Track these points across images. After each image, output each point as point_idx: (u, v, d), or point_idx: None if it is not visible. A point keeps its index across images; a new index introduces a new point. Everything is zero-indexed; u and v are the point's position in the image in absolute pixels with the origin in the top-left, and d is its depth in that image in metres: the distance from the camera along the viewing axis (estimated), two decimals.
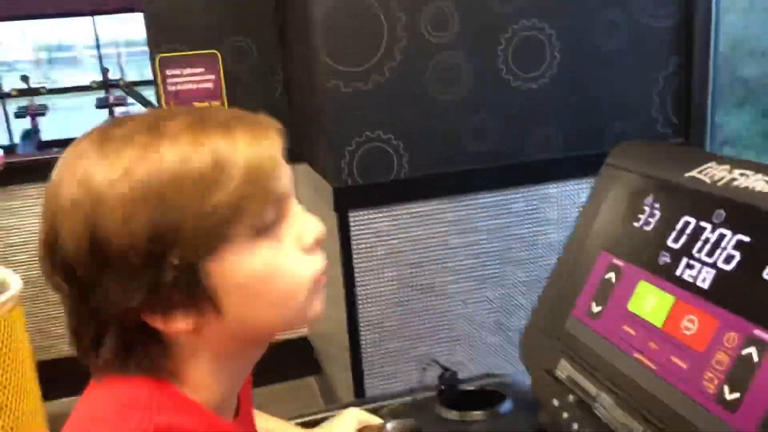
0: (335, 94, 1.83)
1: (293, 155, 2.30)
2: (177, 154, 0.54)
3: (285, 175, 0.60)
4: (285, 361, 2.66)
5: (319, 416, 1.05)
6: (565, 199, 2.05)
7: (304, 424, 1.03)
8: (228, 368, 0.63)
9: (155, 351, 0.58)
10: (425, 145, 1.92)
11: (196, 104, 2.36)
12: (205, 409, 0.62)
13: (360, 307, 2.00)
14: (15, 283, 1.88)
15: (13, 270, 1.96)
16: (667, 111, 2.05)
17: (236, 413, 0.70)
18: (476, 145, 1.96)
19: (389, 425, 0.90)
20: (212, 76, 2.35)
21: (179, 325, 0.57)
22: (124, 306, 0.55)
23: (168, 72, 2.32)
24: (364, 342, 2.03)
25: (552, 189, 2.04)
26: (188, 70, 2.33)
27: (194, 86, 2.36)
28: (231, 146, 0.55)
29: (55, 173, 0.56)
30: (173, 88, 2.35)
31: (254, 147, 0.57)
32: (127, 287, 0.54)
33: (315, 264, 0.62)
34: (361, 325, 2.02)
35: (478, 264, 2.04)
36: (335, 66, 1.81)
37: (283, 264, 0.59)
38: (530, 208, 2.04)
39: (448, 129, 1.93)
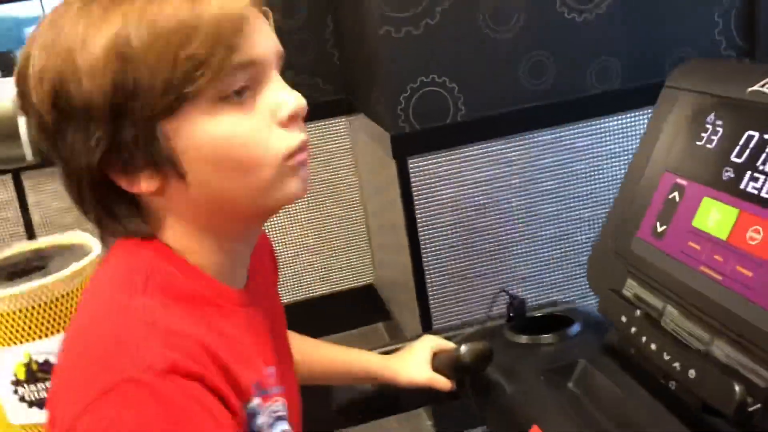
0: (387, 41, 1.85)
1: (349, 106, 2.35)
2: (139, 12, 0.54)
3: (261, 42, 0.58)
4: (352, 310, 2.75)
5: (393, 347, 1.11)
6: (626, 131, 2.03)
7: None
8: (210, 237, 0.62)
9: (131, 212, 0.60)
10: (481, 86, 1.93)
11: None
12: (204, 274, 0.62)
13: (423, 251, 2.04)
14: (96, 246, 1.99)
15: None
16: (731, 32, 1.98)
17: (246, 284, 0.69)
18: (532, 82, 1.95)
19: (463, 347, 0.95)
20: None
21: (142, 185, 0.58)
22: (86, 160, 0.56)
23: None
24: (429, 285, 2.08)
25: (612, 122, 2.02)
26: None
27: None
28: (195, 3, 0.54)
29: (40, 25, 0.57)
30: None
31: (220, 4, 0.55)
32: (88, 141, 0.55)
33: (290, 140, 0.59)
34: (426, 269, 2.07)
35: (540, 202, 2.05)
36: (386, 11, 1.82)
37: (251, 133, 0.58)
38: (591, 143, 2.03)
39: (503, 68, 1.92)
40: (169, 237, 0.62)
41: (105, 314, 0.57)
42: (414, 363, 1.00)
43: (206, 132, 0.56)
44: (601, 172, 2.05)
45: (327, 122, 2.57)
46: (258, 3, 0.60)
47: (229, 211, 0.61)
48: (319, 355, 1.03)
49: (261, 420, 0.60)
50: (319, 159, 2.59)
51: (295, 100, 0.60)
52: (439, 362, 1.00)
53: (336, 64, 2.51)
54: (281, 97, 0.59)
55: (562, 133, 2.01)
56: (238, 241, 0.66)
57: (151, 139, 0.55)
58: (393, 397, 1.10)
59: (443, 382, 0.98)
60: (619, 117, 2.01)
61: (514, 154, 2.00)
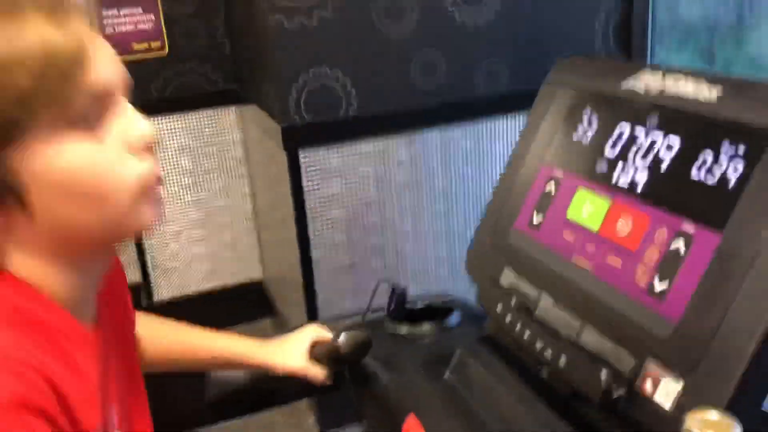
0: (278, 30, 1.80)
1: (240, 96, 2.27)
2: None
3: (104, 69, 0.56)
4: (239, 306, 2.68)
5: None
6: (512, 133, 2.09)
7: None
8: (59, 268, 0.58)
9: None
10: (373, 82, 1.92)
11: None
12: (57, 307, 0.59)
13: (312, 246, 2.01)
14: None
15: None
16: (609, 40, 2.09)
17: (97, 319, 0.66)
18: (424, 81, 1.96)
19: (341, 337, 0.93)
20: (151, 16, 2.28)
21: None
22: None
23: (104, 12, 2.24)
24: (317, 281, 2.05)
25: (499, 123, 2.07)
26: (126, 10, 2.25)
27: (132, 27, 2.28)
28: (19, 31, 0.51)
29: None
30: (110, 29, 2.27)
31: (50, 34, 0.52)
32: None
33: (143, 168, 0.58)
34: (314, 264, 2.04)
35: (428, 200, 2.07)
36: (277, 1, 1.78)
37: (102, 163, 0.55)
38: (478, 143, 2.07)
39: (395, 65, 1.92)
40: (15, 269, 0.57)
41: None
42: (290, 351, 0.97)
43: (53, 161, 0.53)
44: (487, 171, 2.10)
45: (216, 111, 2.48)
46: (98, 29, 0.57)
47: (79, 242, 0.58)
48: (180, 339, 0.98)
49: None
50: (207, 149, 2.50)
51: (147, 128, 0.58)
52: (317, 352, 0.97)
53: (227, 52, 2.43)
54: (132, 124, 0.58)
55: (451, 133, 2.03)
56: (88, 271, 0.62)
57: None
58: (268, 391, 1.06)
59: (317, 372, 0.95)
60: (506, 119, 2.07)
61: (404, 151, 2.01)
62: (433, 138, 2.02)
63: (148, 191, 0.59)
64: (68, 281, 0.59)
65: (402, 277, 2.12)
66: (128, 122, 0.58)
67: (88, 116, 0.54)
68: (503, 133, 2.09)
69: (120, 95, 0.58)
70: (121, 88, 0.58)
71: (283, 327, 2.54)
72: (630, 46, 2.09)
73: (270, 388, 1.06)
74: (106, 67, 0.56)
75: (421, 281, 2.14)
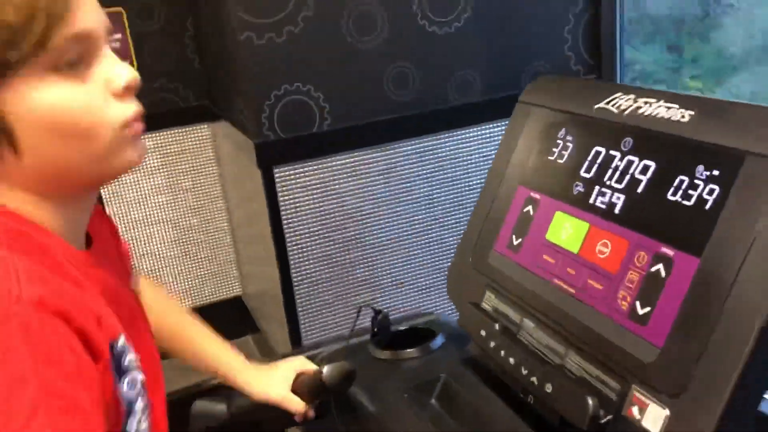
0: (249, 47, 1.78)
1: (212, 113, 2.24)
2: None
3: (89, 15, 0.58)
4: (220, 323, 2.64)
5: None
6: (486, 141, 2.09)
7: None
8: (48, 203, 0.61)
9: None
10: (346, 96, 1.91)
11: None
12: (51, 233, 0.61)
13: (292, 262, 1.99)
14: None
15: None
16: (579, 48, 2.10)
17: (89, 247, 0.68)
18: (398, 93, 1.96)
19: (325, 369, 0.92)
20: (118, 35, 2.25)
21: None
22: None
23: None
24: (298, 297, 2.04)
25: (473, 132, 2.07)
26: None
27: None
28: None
29: None
30: None
31: None
32: None
33: (125, 109, 0.61)
34: (295, 280, 2.02)
35: (406, 211, 2.07)
36: (247, 18, 1.76)
37: (87, 103, 0.58)
38: (453, 152, 2.07)
39: (368, 78, 1.92)
40: (6, 202, 0.60)
41: None
42: (271, 379, 0.96)
43: (40, 101, 0.56)
44: (463, 180, 2.10)
45: (188, 129, 2.45)
46: None
47: (65, 179, 0.61)
48: (181, 323, 1.01)
49: (130, 357, 0.60)
50: (181, 167, 2.47)
51: (128, 72, 0.61)
52: (300, 383, 0.96)
53: (197, 69, 2.40)
54: (115, 69, 0.60)
55: (426, 144, 2.03)
56: (75, 207, 0.65)
57: None
58: (252, 423, 1.04)
59: (296, 404, 0.94)
60: (480, 127, 2.07)
61: (380, 163, 2.00)
62: (409, 148, 2.02)
63: (131, 131, 0.61)
64: (56, 216, 0.62)
65: (384, 290, 2.11)
66: (110, 67, 0.60)
67: (72, 59, 0.57)
68: (479, 141, 2.09)
69: (102, 42, 0.60)
70: (103, 35, 0.60)
71: (264, 343, 2.52)
72: (599, 49, 2.10)
73: (254, 421, 1.04)
74: (90, 12, 0.58)
75: (406, 294, 2.14)
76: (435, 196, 2.09)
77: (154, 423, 0.65)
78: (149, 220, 2.48)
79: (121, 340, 0.60)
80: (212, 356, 1.01)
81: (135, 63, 2.30)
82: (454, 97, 2.01)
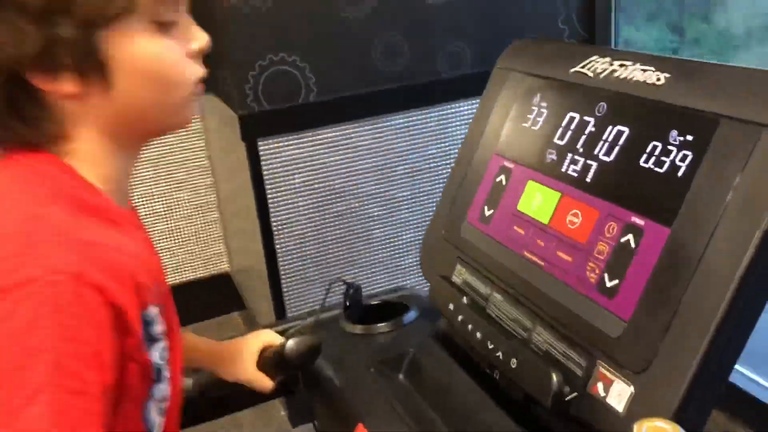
0: (233, 16, 1.74)
1: None
2: None
3: None
4: (207, 300, 2.63)
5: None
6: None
7: None
8: (114, 148, 0.65)
9: (39, 114, 0.61)
10: (333, 67, 1.86)
11: None
12: (102, 192, 0.64)
13: (276, 237, 1.96)
14: None
15: None
16: (573, 21, 2.05)
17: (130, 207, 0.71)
18: (386, 64, 1.91)
19: (289, 342, 0.89)
20: None
21: (65, 87, 0.59)
22: (13, 55, 0.56)
23: None
24: (283, 272, 2.01)
25: (464, 106, 2.03)
26: None
27: None
28: None
29: None
30: None
31: None
32: (22, 35, 0.55)
33: (199, 69, 0.67)
34: (279, 255, 1.99)
35: (393, 187, 2.03)
36: None
37: (175, 59, 0.64)
38: (443, 126, 2.03)
39: (356, 49, 1.87)
40: (73, 145, 0.63)
41: (12, 221, 0.57)
42: (239, 359, 0.93)
43: (141, 47, 0.60)
44: (452, 155, 2.06)
45: None
46: None
47: (138, 124, 0.65)
48: None
49: (161, 328, 0.62)
50: (168, 141, 2.43)
51: (204, 36, 0.66)
52: (265, 359, 0.93)
53: None
54: (196, 32, 0.66)
55: (415, 117, 1.99)
56: (133, 157, 0.69)
57: (86, 44, 0.58)
58: (217, 399, 1.02)
59: (263, 382, 0.92)
60: (470, 101, 2.02)
61: (367, 137, 1.96)
62: (397, 122, 1.97)
63: (198, 91, 0.67)
64: (116, 164, 0.65)
65: (368, 266, 2.08)
66: (192, 29, 0.66)
67: (168, 18, 0.62)
68: (469, 114, 2.04)
69: (185, 4, 0.66)
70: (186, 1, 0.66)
71: (251, 320, 2.50)
72: (593, 23, 2.05)
73: (219, 396, 1.02)
74: None
75: (390, 269, 2.11)
76: (424, 170, 2.05)
77: (174, 392, 0.68)
78: (136, 194, 2.45)
79: (154, 310, 0.62)
80: (193, 347, 0.96)
81: None
82: (444, 70, 1.96)
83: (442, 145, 2.04)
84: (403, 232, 2.09)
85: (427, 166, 2.05)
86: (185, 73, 0.65)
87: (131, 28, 0.59)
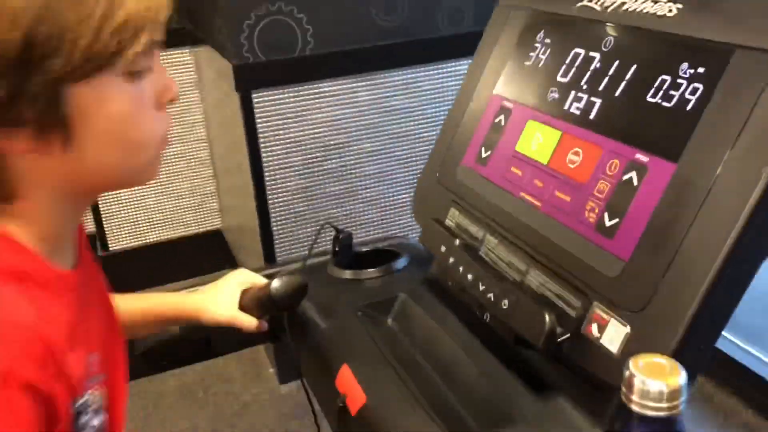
0: None
1: (193, 36, 2.12)
2: None
3: (156, 25, 0.57)
4: (199, 256, 2.60)
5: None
6: None
7: None
8: (63, 206, 0.60)
9: None
10: (331, 19, 1.81)
11: None
12: (37, 255, 0.58)
13: (269, 193, 1.93)
14: None
15: None
16: None
17: (76, 263, 0.65)
18: (385, 18, 1.86)
19: (275, 282, 0.86)
20: None
21: (20, 144, 0.53)
22: None
23: None
24: (276, 229, 1.98)
25: (463, 66, 1.98)
26: None
27: None
28: None
29: None
30: None
31: None
32: None
33: (166, 124, 0.61)
34: (272, 211, 1.96)
35: (389, 145, 1.99)
36: None
37: (144, 115, 0.58)
38: (442, 85, 1.98)
39: (354, 1, 1.82)
40: (18, 204, 0.57)
41: None
42: (218, 301, 0.90)
43: (110, 106, 0.55)
44: None
45: (170, 53, 2.36)
46: None
47: (96, 184, 0.61)
48: (136, 306, 0.92)
49: (85, 418, 0.58)
50: None
51: (175, 86, 0.61)
52: (249, 299, 0.90)
53: None
54: (165, 82, 0.60)
55: (413, 74, 1.94)
56: (82, 211, 0.66)
57: (52, 100, 0.52)
58: (202, 341, 0.99)
59: (247, 321, 0.88)
60: (470, 61, 1.98)
61: (363, 93, 1.91)
62: (395, 79, 1.93)
63: (164, 147, 0.62)
64: (62, 222, 0.61)
65: (361, 225, 2.05)
66: (162, 79, 0.60)
67: (143, 65, 0.56)
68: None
69: (158, 52, 0.60)
70: (158, 46, 0.60)
71: None
72: None
73: (204, 338, 0.99)
74: (156, 24, 0.57)
75: (385, 228, 2.08)
76: (420, 130, 2.01)
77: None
78: None
79: (85, 398, 0.57)
80: (172, 307, 0.93)
81: None
82: (444, 27, 1.91)
83: (441, 103, 2.00)
84: (398, 192, 2.06)
85: (424, 125, 2.01)
86: (153, 131, 0.60)
87: (103, 82, 0.54)
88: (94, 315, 0.66)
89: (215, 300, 0.90)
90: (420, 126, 2.00)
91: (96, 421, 0.59)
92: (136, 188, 2.47)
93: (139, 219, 2.52)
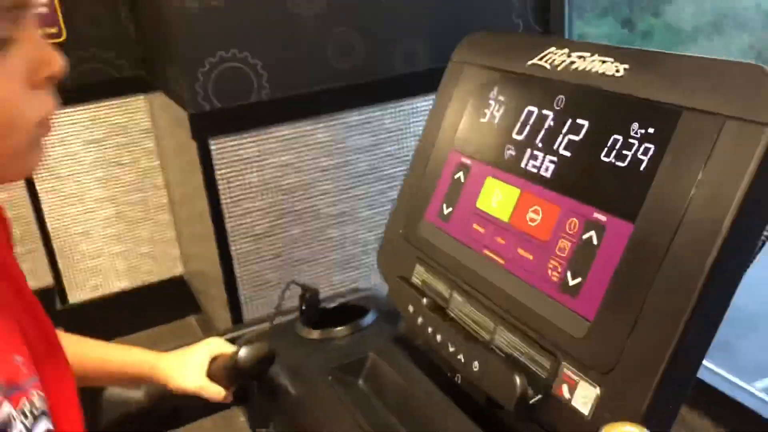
0: (182, 11, 1.67)
1: (147, 83, 2.11)
2: None
3: None
4: (161, 304, 2.55)
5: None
6: None
7: None
8: None
9: None
10: (286, 64, 1.81)
11: None
12: None
13: (231, 240, 1.91)
14: None
15: None
16: (527, 15, 2.04)
17: None
18: (341, 61, 1.87)
19: (241, 351, 0.85)
20: None
21: None
22: None
23: None
24: (239, 275, 1.96)
25: (420, 103, 2.00)
26: None
27: None
28: None
29: None
30: None
31: None
32: None
33: (46, 105, 0.51)
34: (235, 258, 1.94)
35: (351, 184, 2.00)
36: None
37: (8, 98, 0.48)
38: (400, 123, 2.00)
39: (309, 45, 1.82)
40: None
41: None
42: (186, 369, 0.89)
43: None
44: (410, 153, 2.03)
45: (123, 100, 2.33)
46: None
47: None
48: (94, 353, 0.89)
49: (16, 430, 0.49)
50: (116, 141, 2.35)
51: (58, 60, 0.50)
52: (216, 368, 0.89)
53: (131, 37, 2.27)
54: (45, 53, 0.49)
55: (371, 114, 1.95)
56: None
57: None
58: (169, 410, 0.97)
59: (214, 391, 0.87)
60: (427, 98, 2.00)
61: (322, 135, 1.92)
62: (352, 120, 1.94)
63: (45, 131, 0.52)
64: None
65: (326, 266, 2.04)
66: (39, 51, 0.49)
67: (3, 35, 0.46)
68: (426, 112, 2.02)
69: (34, 23, 0.49)
70: (38, 8, 0.49)
71: (207, 324, 2.44)
72: (548, 18, 2.05)
73: (171, 407, 0.97)
74: None
75: (352, 269, 2.07)
76: (381, 169, 2.02)
77: None
78: (85, 197, 2.36)
79: (4, 409, 0.50)
80: (132, 364, 0.90)
81: (64, 30, 2.16)
82: (400, 66, 1.93)
83: (400, 141, 2.02)
84: (361, 232, 2.06)
85: (384, 163, 2.02)
86: (25, 113, 0.49)
87: None
88: (10, 312, 0.58)
89: (183, 368, 0.88)
90: (380, 164, 2.01)
91: (43, 428, 0.52)
92: (94, 239, 2.42)
93: (97, 269, 2.46)
